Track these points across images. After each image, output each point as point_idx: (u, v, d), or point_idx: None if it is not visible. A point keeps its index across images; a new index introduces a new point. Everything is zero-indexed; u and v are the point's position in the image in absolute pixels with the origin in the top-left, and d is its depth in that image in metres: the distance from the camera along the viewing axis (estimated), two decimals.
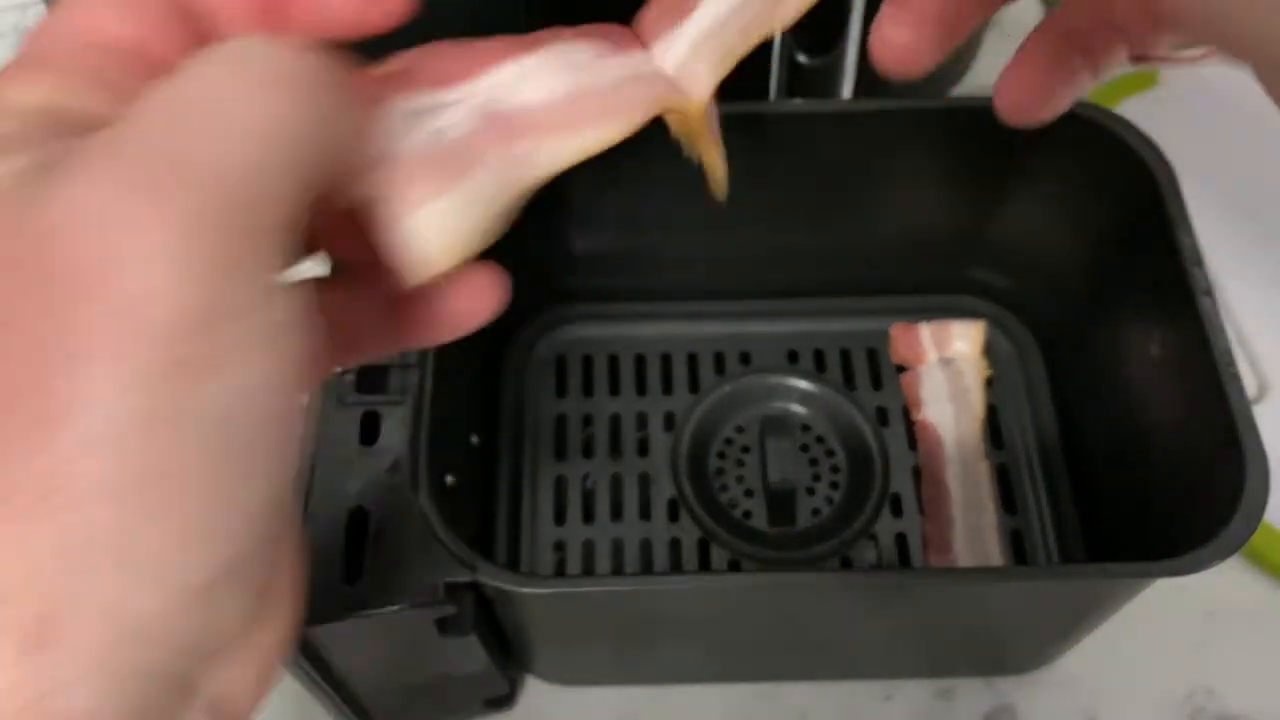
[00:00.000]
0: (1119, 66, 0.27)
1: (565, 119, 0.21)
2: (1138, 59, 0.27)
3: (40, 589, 0.15)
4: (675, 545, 0.46)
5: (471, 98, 0.21)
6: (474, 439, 0.44)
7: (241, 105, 0.17)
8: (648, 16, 0.23)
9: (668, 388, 0.50)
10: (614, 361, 0.51)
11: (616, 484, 0.48)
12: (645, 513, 0.47)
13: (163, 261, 0.15)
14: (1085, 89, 0.27)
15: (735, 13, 0.23)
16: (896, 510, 0.47)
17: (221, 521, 0.16)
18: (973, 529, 0.45)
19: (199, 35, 0.21)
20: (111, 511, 0.15)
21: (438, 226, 0.20)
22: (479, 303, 0.22)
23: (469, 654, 0.37)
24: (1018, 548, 0.46)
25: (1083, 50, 0.27)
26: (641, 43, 0.22)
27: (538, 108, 0.21)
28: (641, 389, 0.50)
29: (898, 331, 0.50)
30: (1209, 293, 0.37)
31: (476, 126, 0.20)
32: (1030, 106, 0.27)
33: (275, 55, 0.18)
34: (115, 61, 0.20)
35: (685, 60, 0.23)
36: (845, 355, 0.50)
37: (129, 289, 0.15)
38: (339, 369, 0.36)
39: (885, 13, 0.25)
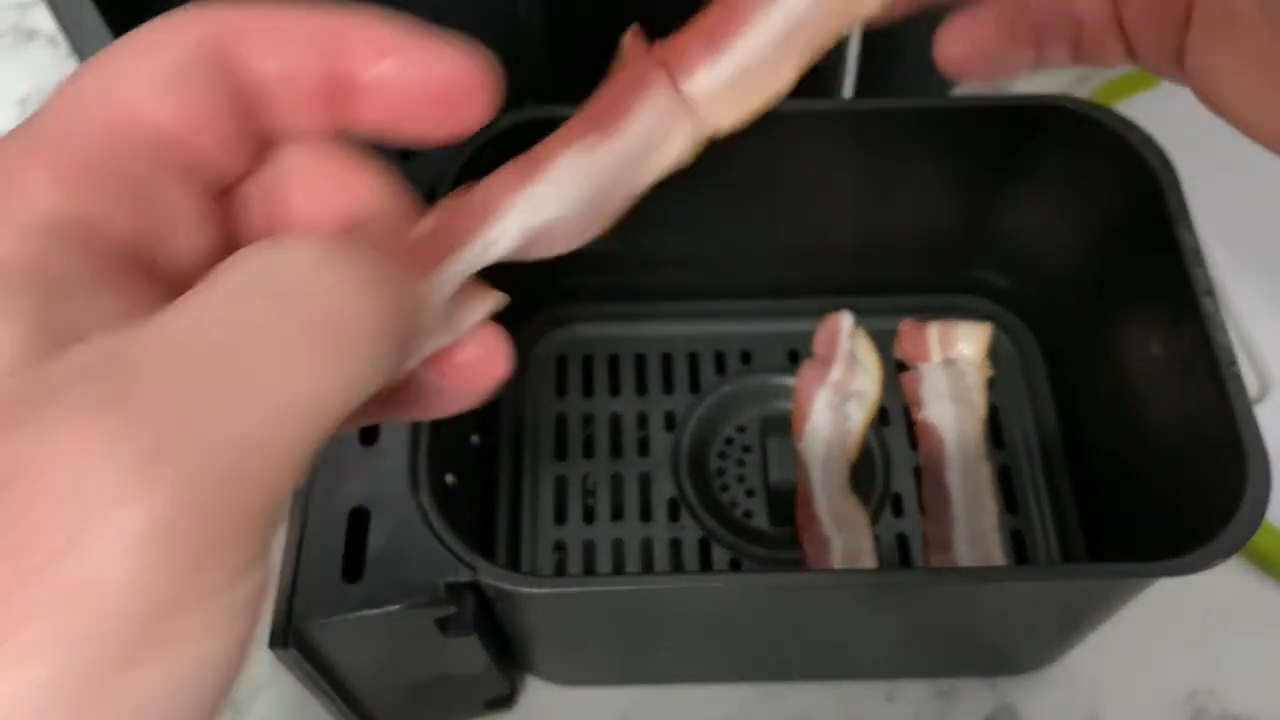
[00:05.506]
0: (1057, 63, 0.27)
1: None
2: (1077, 61, 0.27)
3: None
4: (676, 545, 0.46)
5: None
6: (474, 439, 0.44)
7: (274, 369, 0.15)
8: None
9: (668, 387, 0.50)
10: (614, 361, 0.51)
11: (617, 484, 0.48)
12: (646, 513, 0.47)
13: (135, 555, 0.14)
14: (1022, 69, 0.27)
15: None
16: (897, 510, 0.47)
17: None
18: (974, 529, 0.45)
19: (253, 128, 0.18)
20: None
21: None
22: (484, 377, 0.20)
23: (469, 654, 0.37)
24: (1019, 548, 0.46)
25: (1034, 27, 0.26)
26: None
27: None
28: (642, 389, 0.50)
29: (906, 328, 0.50)
30: (1211, 292, 0.37)
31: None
32: (966, 63, 0.27)
33: (327, 288, 0.16)
34: (148, 157, 0.17)
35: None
36: None
37: (90, 578, 0.13)
38: None
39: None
